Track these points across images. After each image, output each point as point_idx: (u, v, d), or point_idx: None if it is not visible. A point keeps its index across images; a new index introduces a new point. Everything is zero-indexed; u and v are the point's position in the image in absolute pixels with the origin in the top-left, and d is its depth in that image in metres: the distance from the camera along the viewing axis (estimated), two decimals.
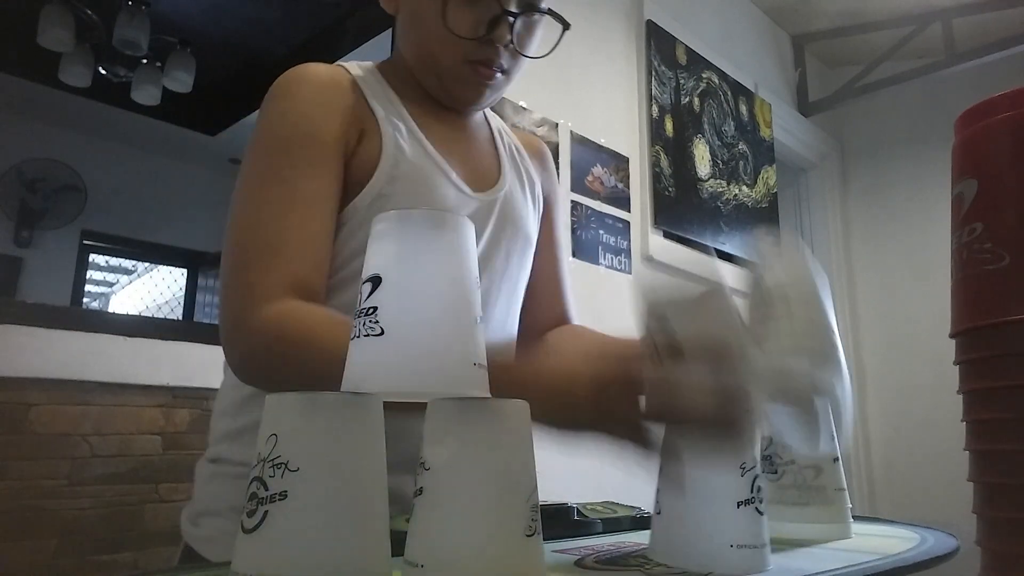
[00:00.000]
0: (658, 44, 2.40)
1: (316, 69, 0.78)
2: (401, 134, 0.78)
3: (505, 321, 0.87)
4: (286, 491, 0.36)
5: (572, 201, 2.00)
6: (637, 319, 0.49)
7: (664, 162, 2.32)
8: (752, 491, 0.49)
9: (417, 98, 0.83)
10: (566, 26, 0.81)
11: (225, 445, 0.77)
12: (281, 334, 0.62)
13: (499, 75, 0.80)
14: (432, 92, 0.83)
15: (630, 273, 2.14)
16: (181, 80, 3.30)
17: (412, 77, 0.83)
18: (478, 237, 0.80)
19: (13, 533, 1.13)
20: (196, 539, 0.75)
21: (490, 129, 0.93)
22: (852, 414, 0.51)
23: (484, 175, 0.86)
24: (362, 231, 0.75)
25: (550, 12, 0.80)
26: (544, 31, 0.83)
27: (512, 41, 0.77)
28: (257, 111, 0.78)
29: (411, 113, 0.81)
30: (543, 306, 0.96)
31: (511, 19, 0.76)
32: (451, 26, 0.75)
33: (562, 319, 0.97)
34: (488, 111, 0.95)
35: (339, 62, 0.83)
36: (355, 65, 0.83)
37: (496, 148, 0.91)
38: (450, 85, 0.81)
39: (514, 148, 0.94)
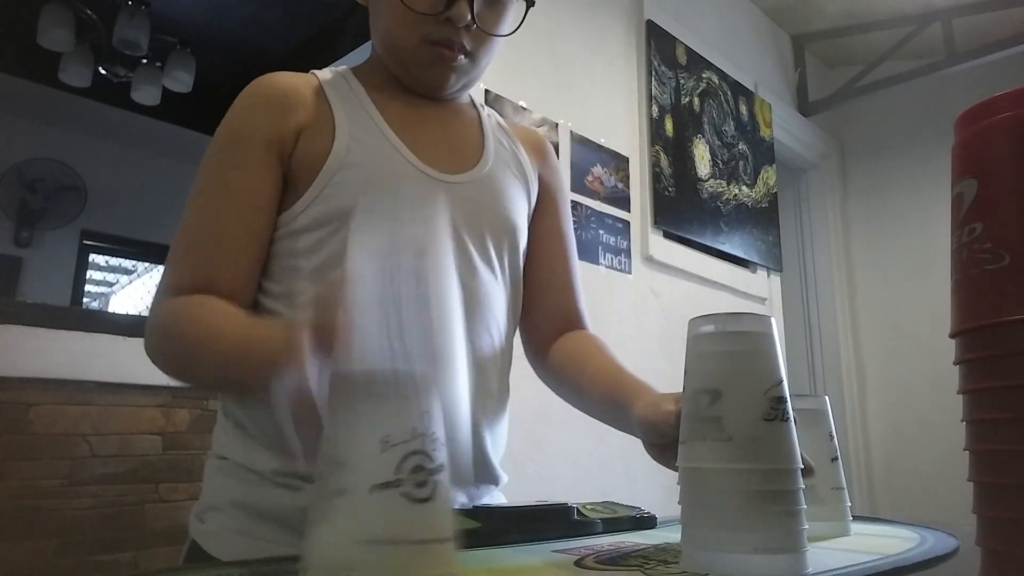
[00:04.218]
0: (658, 44, 2.40)
1: (269, 77, 0.79)
2: (358, 123, 0.78)
3: (499, 308, 0.82)
4: (442, 464, 0.42)
5: (572, 201, 2.00)
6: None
7: (664, 162, 2.32)
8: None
9: (387, 87, 0.83)
10: (531, 2, 0.80)
11: (224, 439, 0.77)
12: (157, 323, 0.70)
13: (462, 57, 0.79)
14: (402, 79, 0.83)
15: (630, 273, 2.14)
16: (181, 80, 3.30)
17: (384, 68, 0.83)
18: (450, 219, 0.77)
19: (13, 533, 1.13)
20: (200, 534, 0.75)
21: (478, 116, 0.91)
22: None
23: (460, 159, 0.83)
24: (314, 229, 0.75)
25: None
26: (515, 10, 0.81)
27: (474, 20, 0.76)
28: None
29: (376, 101, 0.80)
30: (551, 304, 0.92)
31: None
32: (409, 3, 0.74)
33: (574, 321, 0.93)
34: (481, 100, 0.94)
35: (314, 71, 0.84)
36: (327, 70, 0.84)
37: (482, 133, 0.89)
38: (414, 69, 0.81)
39: (505, 136, 0.91)
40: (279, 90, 0.78)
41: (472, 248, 0.79)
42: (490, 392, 0.82)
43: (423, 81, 0.82)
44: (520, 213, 0.86)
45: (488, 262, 0.81)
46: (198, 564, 0.73)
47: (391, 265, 0.45)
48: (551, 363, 0.90)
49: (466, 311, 0.76)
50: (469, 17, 0.75)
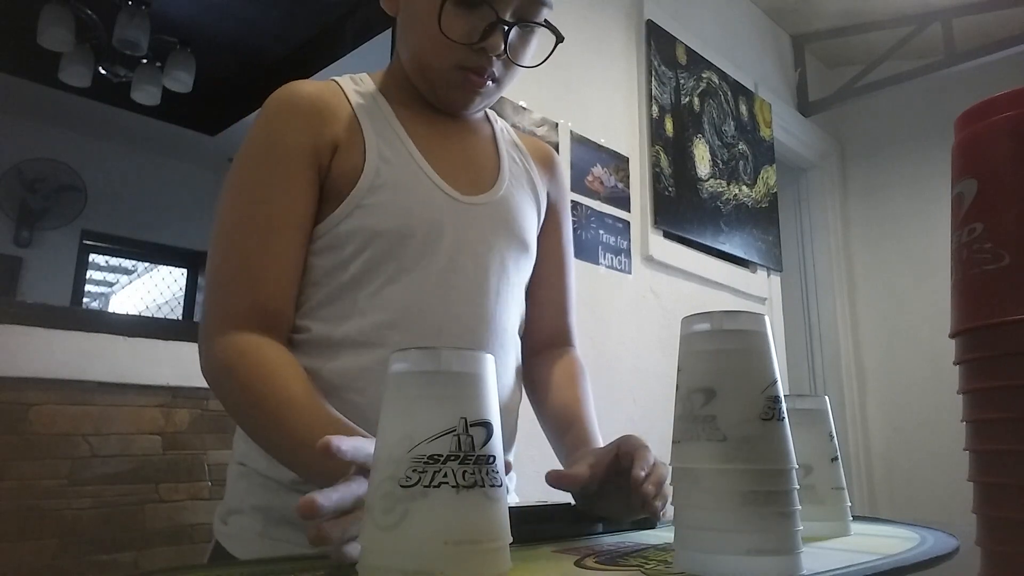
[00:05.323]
0: (658, 44, 2.40)
1: (298, 87, 0.78)
2: (387, 143, 0.78)
3: (512, 328, 0.85)
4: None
5: (572, 201, 1.99)
6: None
7: (664, 162, 2.32)
8: None
9: (410, 102, 0.84)
10: (560, 38, 0.81)
11: (244, 448, 0.78)
12: (230, 368, 0.69)
13: (490, 83, 0.81)
14: (424, 95, 0.84)
15: (630, 273, 2.14)
16: (181, 80, 3.30)
17: (408, 81, 0.84)
18: (470, 241, 0.80)
19: (13, 533, 1.13)
20: (225, 536, 0.76)
21: (493, 131, 0.92)
22: None
23: (479, 179, 0.85)
24: (343, 246, 0.75)
25: (546, 24, 0.80)
26: (539, 40, 0.83)
27: (505, 51, 0.77)
28: (257, 111, 0.79)
29: (402, 118, 0.81)
30: (544, 320, 0.94)
31: (506, 28, 0.76)
32: (446, 30, 0.75)
33: (561, 339, 0.95)
34: (494, 113, 0.95)
35: (334, 77, 0.84)
36: (348, 78, 0.84)
37: (497, 150, 0.90)
38: (440, 89, 0.82)
39: (517, 151, 0.93)
40: (312, 102, 0.77)
41: (489, 265, 0.81)
42: (511, 407, 0.85)
43: (448, 101, 0.84)
44: (532, 232, 0.89)
45: (504, 279, 0.83)
46: (199, 565, 0.74)
47: None
48: (525, 378, 0.93)
49: (485, 327, 0.79)
50: (503, 48, 0.76)
